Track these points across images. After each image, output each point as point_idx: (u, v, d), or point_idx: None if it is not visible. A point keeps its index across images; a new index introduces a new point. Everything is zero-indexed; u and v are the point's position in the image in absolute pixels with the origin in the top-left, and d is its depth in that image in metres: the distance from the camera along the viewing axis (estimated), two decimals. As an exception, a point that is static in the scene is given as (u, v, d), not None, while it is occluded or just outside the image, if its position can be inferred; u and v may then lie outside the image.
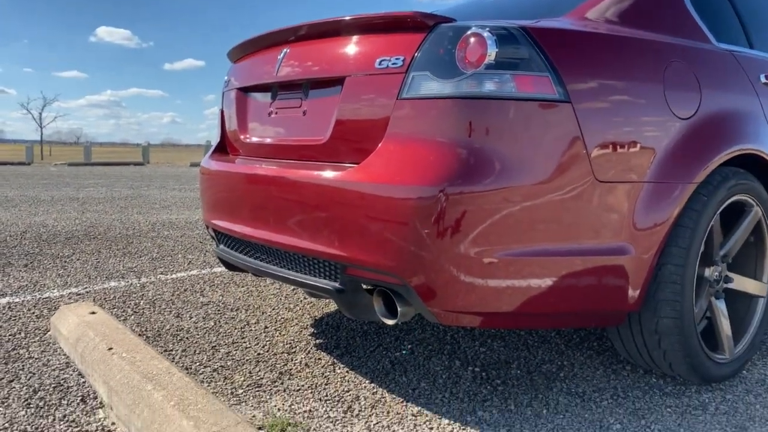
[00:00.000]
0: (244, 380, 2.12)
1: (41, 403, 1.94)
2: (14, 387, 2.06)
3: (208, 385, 2.07)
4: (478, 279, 1.63)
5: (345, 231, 1.75)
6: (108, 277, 3.58)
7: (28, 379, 2.12)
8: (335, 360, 2.31)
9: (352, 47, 1.87)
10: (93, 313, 2.47)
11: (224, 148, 2.54)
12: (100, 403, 1.95)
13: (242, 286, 3.39)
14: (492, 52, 1.62)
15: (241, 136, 2.36)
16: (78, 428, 1.79)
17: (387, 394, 2.02)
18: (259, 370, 2.21)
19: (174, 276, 3.62)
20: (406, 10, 1.81)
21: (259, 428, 1.76)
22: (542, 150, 1.65)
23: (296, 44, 2.08)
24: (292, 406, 1.93)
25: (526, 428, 1.79)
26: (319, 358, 2.33)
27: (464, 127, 1.61)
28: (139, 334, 2.55)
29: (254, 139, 2.30)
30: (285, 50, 2.11)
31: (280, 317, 2.84)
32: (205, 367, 2.24)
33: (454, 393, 2.03)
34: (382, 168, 1.68)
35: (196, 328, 2.68)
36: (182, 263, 3.98)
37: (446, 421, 1.83)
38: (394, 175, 1.65)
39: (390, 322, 1.77)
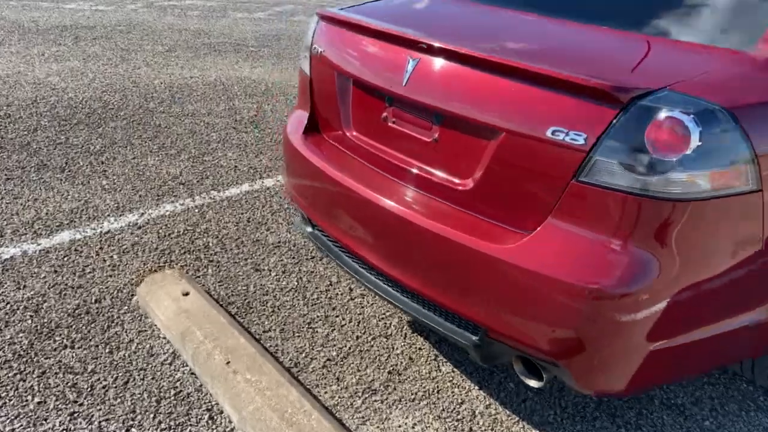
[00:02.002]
0: (357, 382, 2.19)
1: (172, 423, 1.99)
2: (135, 393, 2.09)
3: (325, 392, 2.13)
4: (641, 367, 1.63)
5: (495, 303, 1.69)
6: (158, 194, 3.44)
7: (143, 380, 2.15)
8: (435, 351, 2.37)
9: (514, 98, 1.62)
10: (186, 294, 2.43)
11: (316, 125, 2.30)
12: (229, 421, 2.01)
13: (303, 214, 3.31)
14: (694, 145, 1.43)
15: (344, 129, 2.14)
16: (223, 464, 1.87)
17: (500, 409, 2.12)
18: (366, 367, 2.26)
19: (227, 194, 3.50)
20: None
21: (398, 467, 1.87)
22: (723, 244, 1.55)
23: (433, 58, 1.79)
24: (415, 428, 2.02)
25: (642, 463, 1.93)
26: (420, 348, 2.38)
27: (649, 226, 1.48)
28: (229, 304, 2.54)
29: (361, 139, 2.08)
30: (414, 60, 1.82)
31: (359, 272, 2.83)
32: (312, 359, 2.28)
33: (563, 407, 2.14)
34: (554, 254, 1.57)
35: (281, 289, 2.67)
36: (227, 168, 3.82)
37: (567, 454, 1.95)
38: (570, 266, 1.54)
39: (534, 384, 1.79)
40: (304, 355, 2.31)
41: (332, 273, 2.81)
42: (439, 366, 2.30)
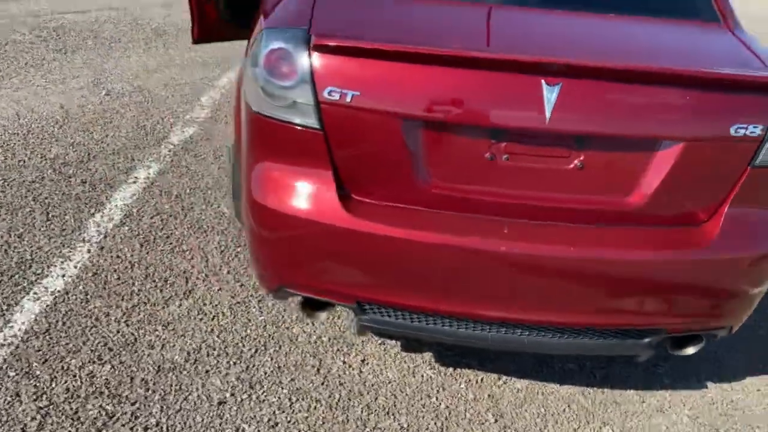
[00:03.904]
0: (490, 451, 1.93)
1: None
2: None
3: None
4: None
5: (686, 301, 1.77)
6: None
7: None
8: (494, 374, 2.22)
9: (689, 105, 1.61)
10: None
11: (343, 188, 1.70)
12: None
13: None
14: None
15: (416, 183, 1.67)
16: None
17: (598, 390, 2.20)
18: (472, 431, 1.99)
19: (16, 331, 2.18)
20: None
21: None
22: None
23: (581, 80, 1.55)
24: (578, 452, 1.95)
25: None
26: (478, 379, 2.19)
27: None
28: None
29: (451, 188, 1.69)
30: (553, 86, 1.54)
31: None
32: (426, 462, 1.87)
33: (654, 363, 2.36)
34: (743, 235, 1.73)
35: None
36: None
37: None
38: (761, 238, 1.73)
39: (692, 350, 1.95)
40: (414, 463, 1.87)
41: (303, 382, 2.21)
42: (512, 385, 2.19)
